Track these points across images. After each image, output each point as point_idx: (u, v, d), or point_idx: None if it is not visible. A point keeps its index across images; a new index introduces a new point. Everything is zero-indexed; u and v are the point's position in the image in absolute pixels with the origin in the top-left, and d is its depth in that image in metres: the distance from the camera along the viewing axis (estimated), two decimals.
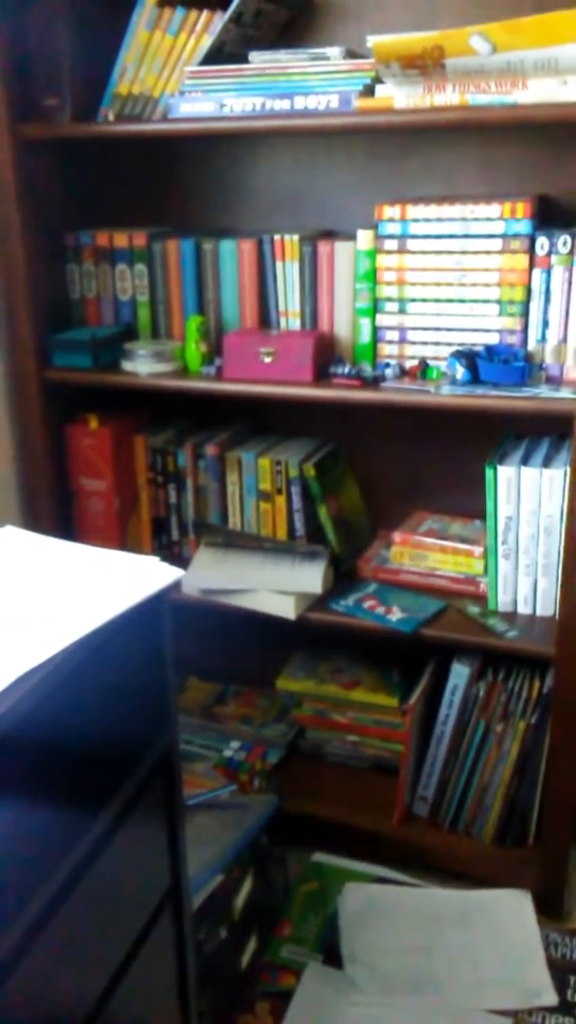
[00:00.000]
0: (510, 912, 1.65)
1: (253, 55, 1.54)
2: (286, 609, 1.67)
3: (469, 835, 1.74)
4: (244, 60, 1.54)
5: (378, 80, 1.45)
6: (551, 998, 1.50)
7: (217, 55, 1.55)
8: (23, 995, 0.83)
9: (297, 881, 1.73)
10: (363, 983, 1.51)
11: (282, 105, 1.50)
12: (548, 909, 1.66)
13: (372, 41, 1.38)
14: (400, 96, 1.43)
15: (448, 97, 1.40)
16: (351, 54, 1.51)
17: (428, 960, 1.56)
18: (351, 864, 1.77)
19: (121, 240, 1.74)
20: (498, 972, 1.54)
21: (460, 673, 1.69)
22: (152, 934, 1.07)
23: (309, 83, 1.49)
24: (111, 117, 1.63)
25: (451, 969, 1.54)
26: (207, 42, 1.54)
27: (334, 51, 1.50)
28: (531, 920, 1.64)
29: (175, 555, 1.86)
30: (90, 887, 0.92)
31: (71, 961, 0.92)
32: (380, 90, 1.45)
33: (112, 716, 0.98)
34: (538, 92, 1.36)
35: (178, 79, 1.58)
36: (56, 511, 1.82)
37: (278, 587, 1.69)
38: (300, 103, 1.49)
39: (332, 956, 1.57)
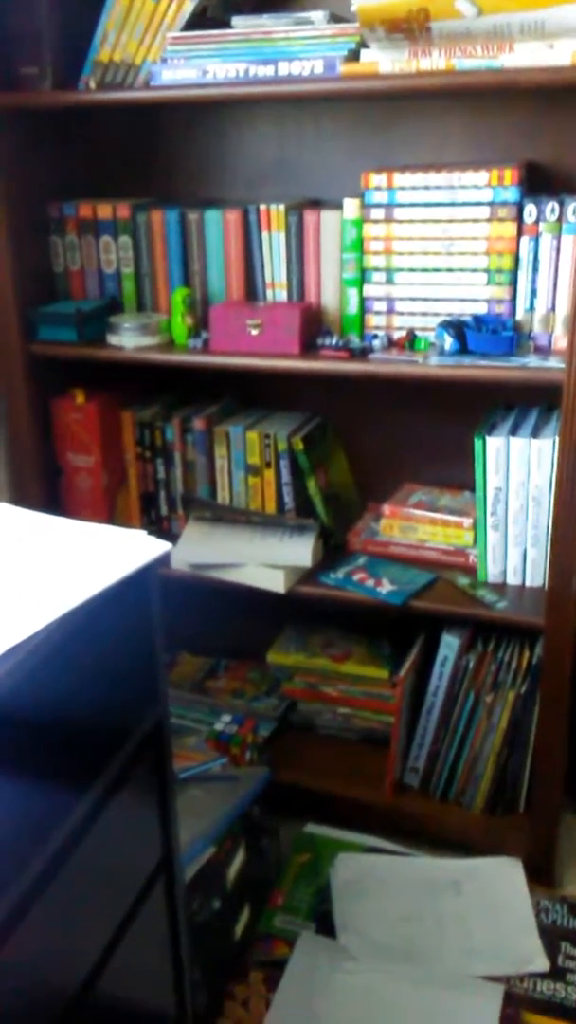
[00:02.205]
0: (501, 880, 1.67)
1: (236, 20, 1.51)
2: (276, 583, 1.67)
3: (460, 804, 1.75)
4: (227, 25, 1.52)
5: (363, 45, 1.43)
6: (542, 964, 1.51)
7: (199, 20, 1.53)
8: (16, 967, 0.83)
9: (290, 852, 1.74)
10: (356, 951, 1.53)
11: (266, 71, 1.48)
12: (539, 876, 1.67)
13: (357, 4, 1.36)
14: (385, 61, 1.41)
15: (434, 61, 1.38)
16: (335, 18, 1.49)
17: (420, 928, 1.57)
18: (343, 835, 1.78)
19: (105, 211, 1.71)
20: (490, 939, 1.55)
21: (450, 644, 1.69)
22: (145, 906, 1.08)
23: (293, 48, 1.46)
24: (92, 85, 1.60)
25: (443, 937, 1.56)
26: (189, 7, 1.52)
27: (318, 15, 1.47)
28: (522, 887, 1.65)
29: (164, 530, 1.86)
30: (81, 860, 0.92)
31: (64, 933, 0.92)
32: (365, 55, 1.43)
33: (101, 690, 0.97)
34: (525, 56, 1.34)
35: (160, 45, 1.55)
36: (43, 487, 1.81)
37: (268, 561, 1.68)
38: (284, 69, 1.46)
39: (325, 925, 1.58)
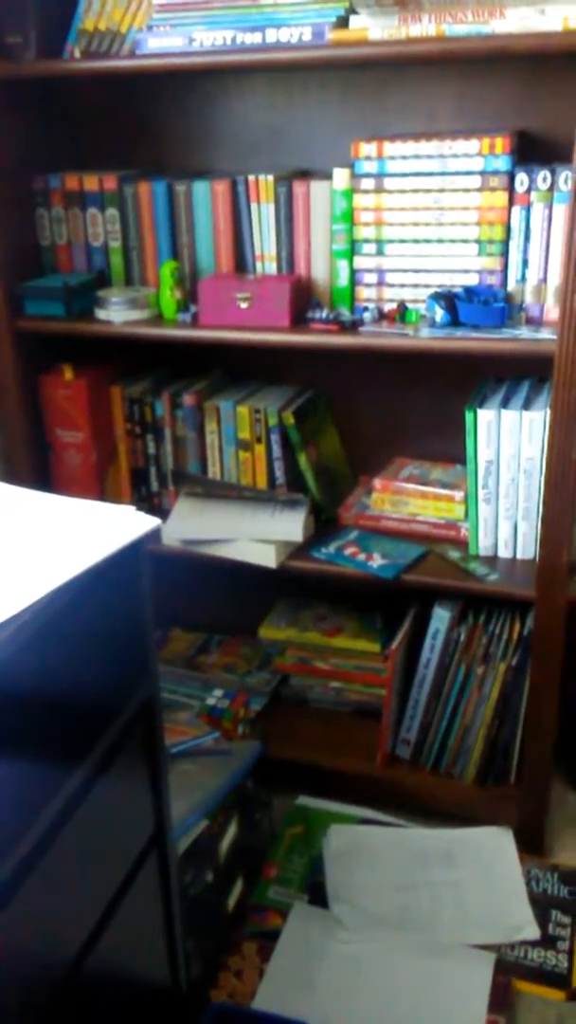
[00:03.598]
0: (492, 849, 1.68)
1: None
2: (267, 558, 1.67)
3: (451, 776, 1.76)
4: None
5: (352, 11, 1.40)
6: (533, 932, 1.53)
7: None
8: (10, 940, 0.84)
9: (282, 824, 1.75)
10: (349, 921, 1.54)
11: (253, 38, 1.45)
12: (530, 845, 1.69)
13: None
14: (375, 27, 1.39)
15: (424, 28, 1.36)
16: None
17: (412, 898, 1.59)
18: (335, 807, 1.79)
19: (91, 183, 1.69)
20: (481, 908, 1.57)
21: (441, 617, 1.69)
22: (137, 879, 1.08)
23: (281, 15, 1.44)
24: (77, 54, 1.58)
25: (435, 906, 1.57)
26: None
27: None
28: (513, 857, 1.67)
29: (155, 506, 1.85)
30: (74, 834, 0.92)
31: (58, 906, 0.93)
32: (354, 21, 1.41)
33: (92, 665, 0.97)
34: (516, 21, 1.32)
35: (146, 13, 1.53)
36: (33, 464, 1.80)
37: (259, 536, 1.68)
38: (272, 36, 1.44)
39: (318, 896, 1.60)
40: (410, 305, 1.57)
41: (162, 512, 1.79)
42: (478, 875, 1.63)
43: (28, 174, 1.71)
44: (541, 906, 1.58)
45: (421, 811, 1.76)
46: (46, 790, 0.89)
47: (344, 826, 1.74)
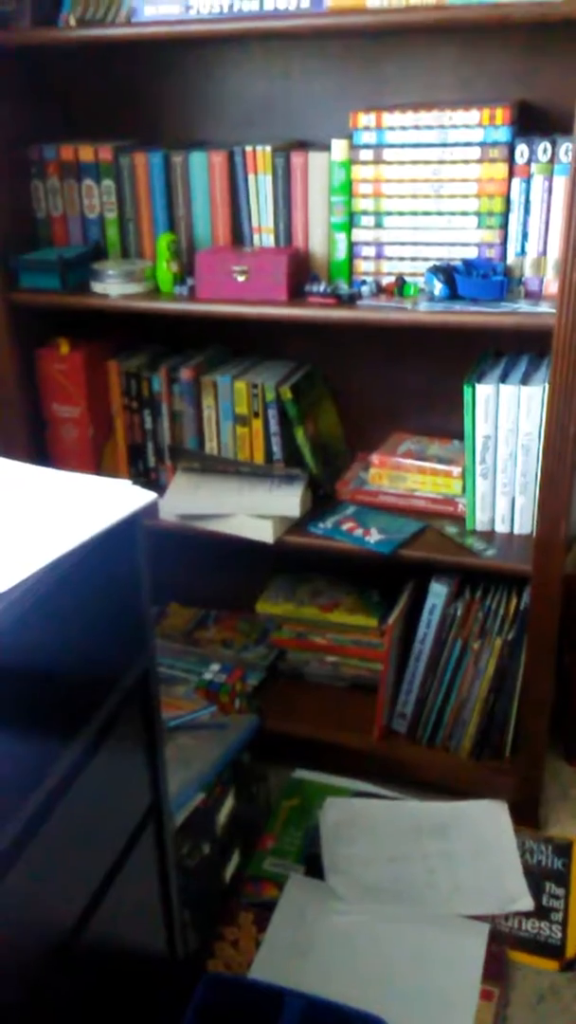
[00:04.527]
0: (487, 822, 1.70)
1: None
2: (264, 533, 1.67)
3: (447, 749, 1.77)
4: None
5: None
6: (527, 903, 1.55)
7: None
8: (7, 911, 0.84)
9: (279, 797, 1.77)
10: (344, 893, 1.56)
11: (251, 5, 1.43)
12: (524, 818, 1.70)
13: None
14: None
15: None
16: None
17: (408, 869, 1.60)
18: (332, 780, 1.80)
19: (87, 154, 1.67)
20: (476, 880, 1.59)
21: (438, 592, 1.69)
22: (134, 851, 1.09)
23: None
24: (72, 22, 1.55)
25: (430, 878, 1.59)
26: None
27: None
28: (508, 829, 1.68)
29: (152, 481, 1.85)
30: (71, 806, 0.92)
31: (55, 877, 0.93)
32: None
33: (88, 639, 0.97)
34: None
35: None
36: (29, 439, 1.80)
37: (256, 511, 1.68)
38: (269, 3, 1.42)
39: (314, 868, 1.61)
40: (408, 279, 1.56)
41: (159, 487, 1.78)
42: (473, 847, 1.65)
43: (23, 144, 1.69)
44: (535, 878, 1.59)
45: (417, 784, 1.77)
46: (43, 763, 0.89)
47: (340, 799, 1.75)
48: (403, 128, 1.49)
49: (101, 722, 0.98)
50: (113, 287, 1.64)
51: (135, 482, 1.00)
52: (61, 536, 0.88)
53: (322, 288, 1.56)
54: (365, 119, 1.50)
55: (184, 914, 1.34)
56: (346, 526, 1.67)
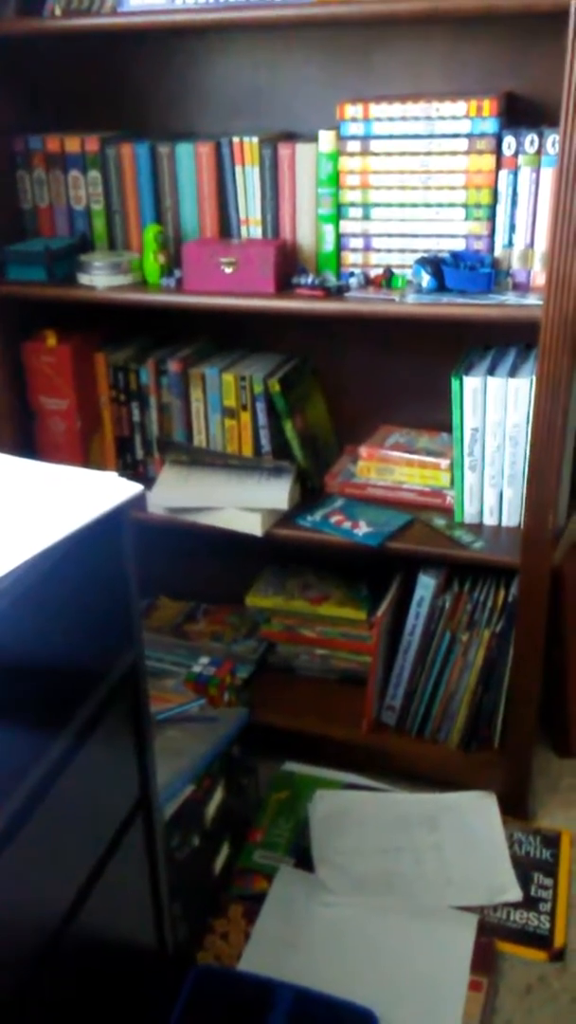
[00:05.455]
0: (476, 813, 1.70)
1: None
2: (253, 526, 1.67)
3: (436, 741, 1.78)
4: None
5: None
6: (515, 894, 1.55)
7: None
8: None
9: (268, 790, 1.77)
10: (334, 885, 1.56)
11: None
12: (513, 809, 1.71)
13: None
14: None
15: None
16: None
17: (397, 861, 1.61)
18: (321, 772, 1.80)
19: (73, 145, 1.66)
20: (465, 871, 1.59)
21: (426, 585, 1.70)
22: (123, 843, 1.09)
23: None
24: (58, 12, 1.54)
25: (419, 869, 1.59)
26: None
27: None
28: (496, 820, 1.69)
29: (140, 474, 1.84)
30: (58, 799, 0.92)
31: (41, 870, 0.93)
32: None
33: (75, 632, 0.97)
34: None
35: None
36: (16, 432, 1.79)
37: (244, 504, 1.68)
38: None
39: (303, 860, 1.61)
40: (396, 270, 1.56)
41: (147, 480, 1.78)
42: (461, 838, 1.65)
43: (8, 135, 1.68)
44: (523, 869, 1.60)
45: (406, 776, 1.78)
46: (29, 757, 0.89)
47: (329, 791, 1.75)
48: (390, 119, 1.48)
49: (88, 716, 0.98)
50: (100, 279, 1.63)
51: (123, 475, 1.00)
52: (46, 529, 0.87)
53: (310, 280, 1.56)
54: (352, 110, 1.50)
55: (174, 907, 1.34)
56: (335, 519, 1.67)
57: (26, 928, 0.92)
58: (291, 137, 1.63)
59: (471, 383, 1.56)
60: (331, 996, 1.33)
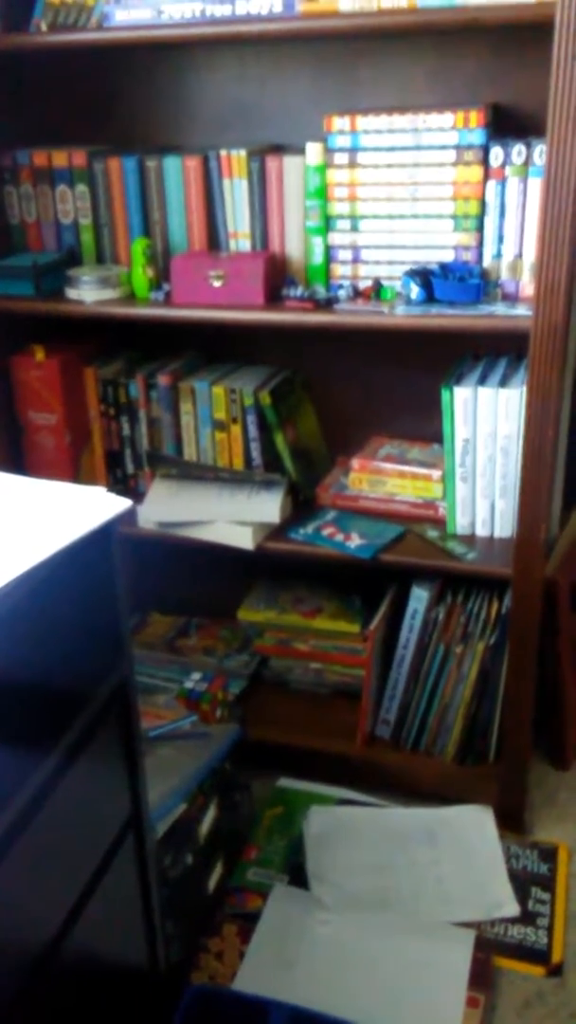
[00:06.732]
0: (472, 828, 1.69)
1: None
2: (244, 540, 1.66)
3: (431, 755, 1.76)
4: None
5: None
6: (513, 909, 1.54)
7: None
8: None
9: (262, 806, 1.75)
10: (329, 902, 1.54)
11: (222, 10, 1.43)
12: (509, 823, 1.69)
13: None
14: None
15: None
16: None
17: (393, 877, 1.59)
18: (315, 787, 1.79)
19: (60, 159, 1.66)
20: (461, 886, 1.58)
21: (420, 597, 1.69)
22: (114, 863, 1.08)
23: None
24: (44, 27, 1.54)
25: (416, 885, 1.58)
26: None
27: None
28: (493, 834, 1.67)
29: (131, 488, 1.83)
30: (48, 817, 0.91)
31: (32, 890, 0.91)
32: None
33: (64, 649, 0.96)
34: None
35: None
36: (5, 447, 1.78)
37: (236, 518, 1.67)
38: (242, 8, 1.42)
39: (298, 877, 1.60)
40: (385, 282, 1.56)
41: (138, 494, 1.77)
42: (458, 853, 1.64)
43: None
44: (521, 883, 1.59)
45: (401, 791, 1.76)
46: (18, 775, 0.88)
47: (324, 807, 1.74)
48: (377, 131, 1.48)
49: (77, 734, 0.97)
50: (88, 293, 1.63)
51: (113, 489, 0.99)
52: (34, 546, 0.86)
53: (299, 292, 1.55)
54: (339, 123, 1.50)
55: (167, 926, 1.33)
56: (327, 531, 1.66)
57: (17, 948, 0.90)
58: (279, 150, 1.63)
59: (461, 394, 1.55)
60: (327, 1015, 1.31)
